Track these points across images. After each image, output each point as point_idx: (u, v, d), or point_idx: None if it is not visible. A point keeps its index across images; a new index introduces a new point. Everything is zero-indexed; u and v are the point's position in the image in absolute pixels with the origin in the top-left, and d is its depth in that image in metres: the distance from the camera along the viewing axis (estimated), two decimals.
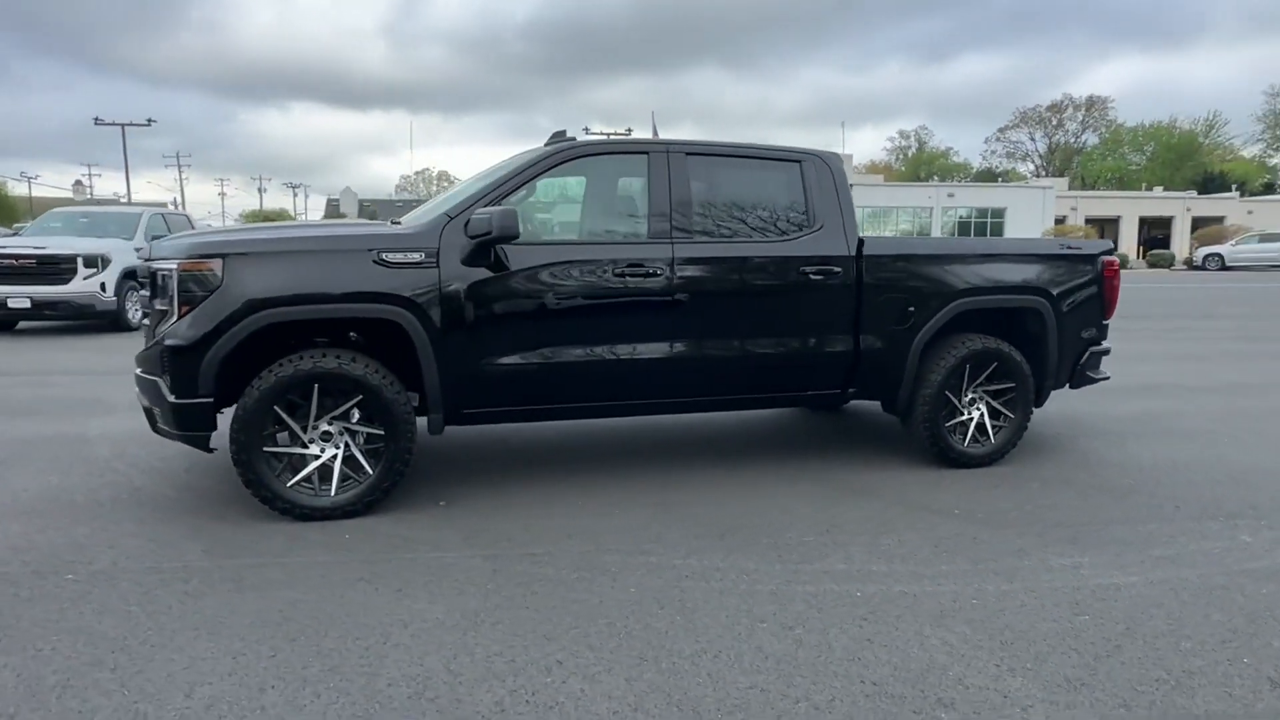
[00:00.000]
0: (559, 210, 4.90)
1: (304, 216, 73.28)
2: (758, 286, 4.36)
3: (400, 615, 2.87)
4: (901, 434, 5.12)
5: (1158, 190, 55.42)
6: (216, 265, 3.62)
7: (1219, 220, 49.28)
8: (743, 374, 4.40)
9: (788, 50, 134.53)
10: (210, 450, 3.85)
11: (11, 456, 4.92)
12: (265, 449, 3.70)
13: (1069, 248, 4.98)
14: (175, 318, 3.64)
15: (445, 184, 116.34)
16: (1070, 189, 55.32)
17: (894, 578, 3.23)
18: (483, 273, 3.90)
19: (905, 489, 4.37)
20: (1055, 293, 4.83)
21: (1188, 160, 67.92)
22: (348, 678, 2.46)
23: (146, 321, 4.07)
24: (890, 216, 44.74)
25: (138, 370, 3.93)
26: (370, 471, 3.83)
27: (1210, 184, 58.66)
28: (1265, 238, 34.05)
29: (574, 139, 4.40)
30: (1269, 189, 63.49)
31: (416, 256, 3.82)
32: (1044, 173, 74.48)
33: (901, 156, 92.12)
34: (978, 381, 4.77)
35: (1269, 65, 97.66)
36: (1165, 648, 2.67)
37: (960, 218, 44.70)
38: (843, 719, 2.27)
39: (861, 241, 4.51)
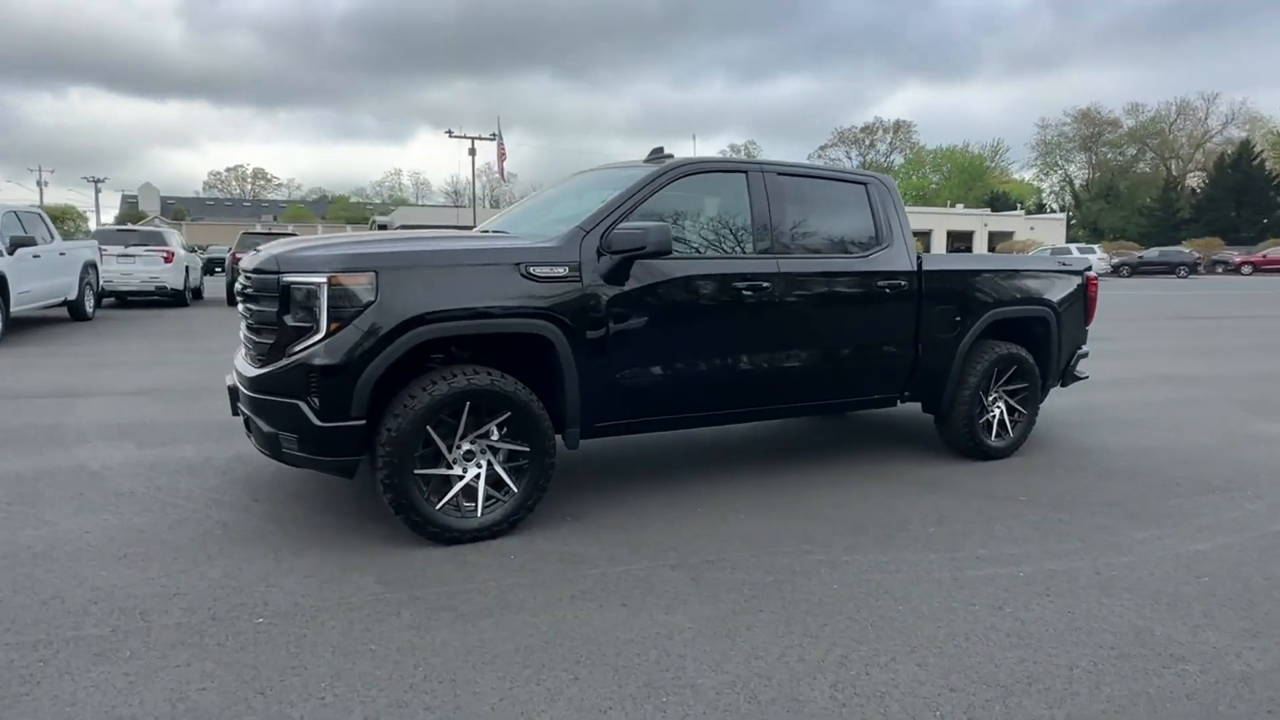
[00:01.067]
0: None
1: (95, 215, 65.24)
2: (845, 299, 4.71)
3: (652, 628, 2.91)
4: (898, 431, 5.66)
5: (959, 207, 62.25)
6: (369, 279, 3.43)
7: (1009, 235, 56.26)
8: (830, 380, 4.73)
9: (619, 62, 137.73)
10: (350, 476, 3.62)
11: (29, 494, 4.28)
12: (415, 471, 3.54)
13: (1066, 265, 5.74)
14: (322, 335, 3.40)
15: (262, 182, 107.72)
16: None
17: (1032, 558, 3.66)
18: (619, 287, 3.94)
19: (958, 480, 4.86)
20: (1057, 303, 5.56)
21: (977, 181, 76.83)
22: (674, 691, 2.50)
23: (256, 337, 3.74)
24: None
25: (252, 393, 3.61)
26: (515, 489, 3.76)
27: (996, 202, 66.71)
28: (1055, 250, 39.38)
29: (672, 155, 4.53)
30: (1041, 208, 73.16)
31: (561, 270, 3.81)
32: None
33: None
34: (1000, 383, 5.39)
35: (1037, 98, 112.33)
36: None
37: None
38: (1110, 679, 2.63)
39: (920, 258, 4.98)
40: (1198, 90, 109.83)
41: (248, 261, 3.85)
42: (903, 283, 4.86)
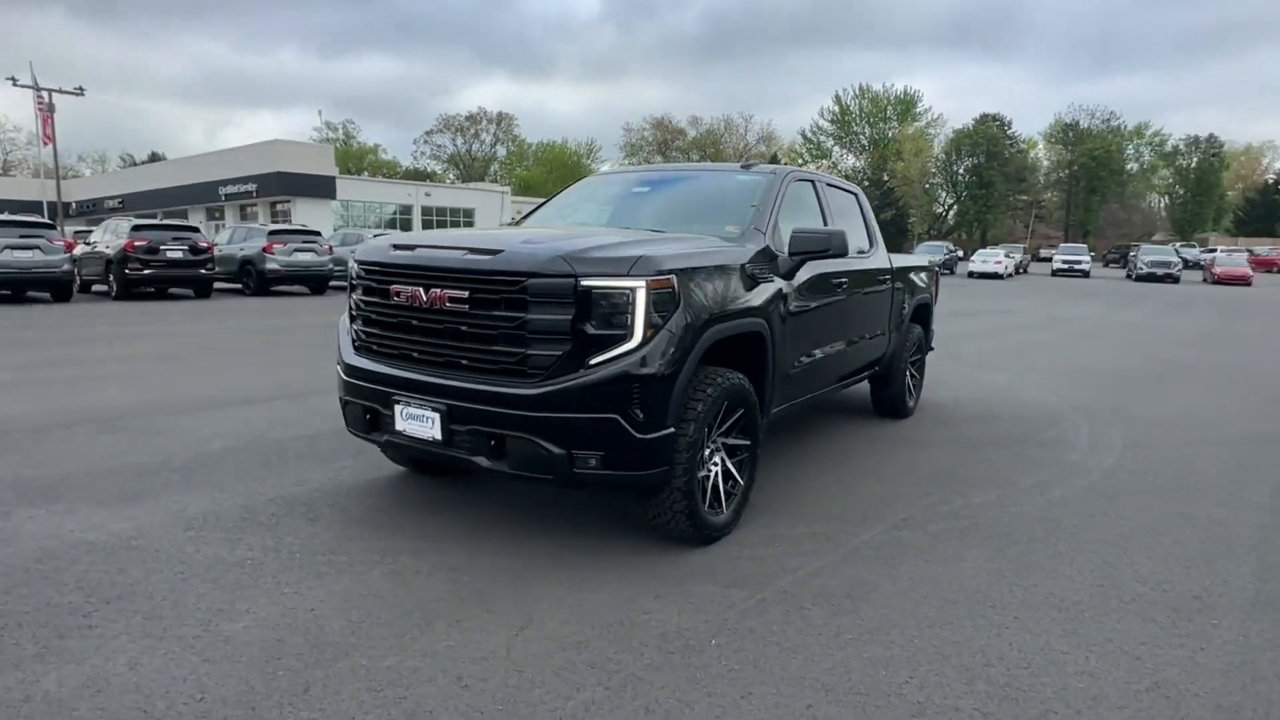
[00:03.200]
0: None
1: None
2: (873, 294, 5.63)
3: (965, 569, 3.51)
4: (839, 407, 6.89)
5: None
6: (674, 283, 3.33)
7: None
8: (857, 359, 5.61)
9: (162, 11, 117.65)
10: (651, 493, 3.45)
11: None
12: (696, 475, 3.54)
13: (932, 262, 7.43)
14: (638, 342, 3.21)
15: None
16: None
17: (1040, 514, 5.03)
18: (792, 283, 4.32)
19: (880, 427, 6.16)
20: (929, 290, 7.21)
21: (576, 176, 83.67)
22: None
23: (510, 347, 3.26)
24: (371, 213, 44.51)
25: (534, 411, 3.19)
26: (740, 482, 3.93)
27: None
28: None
29: (761, 165, 4.94)
30: None
31: (767, 271, 4.06)
32: (466, 177, 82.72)
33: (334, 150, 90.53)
34: (912, 354, 6.84)
35: (612, 103, 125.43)
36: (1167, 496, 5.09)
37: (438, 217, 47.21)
38: None
39: (890, 257, 6.12)
40: (738, 110, 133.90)
41: (483, 263, 3.31)
42: (888, 277, 5.94)
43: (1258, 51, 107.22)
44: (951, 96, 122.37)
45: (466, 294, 3.34)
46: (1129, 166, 74.22)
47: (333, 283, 19.76)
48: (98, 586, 3.09)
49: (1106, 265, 50.54)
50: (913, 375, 6.86)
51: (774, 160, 77.98)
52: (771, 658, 2.72)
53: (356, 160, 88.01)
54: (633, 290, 3.20)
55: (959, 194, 74.10)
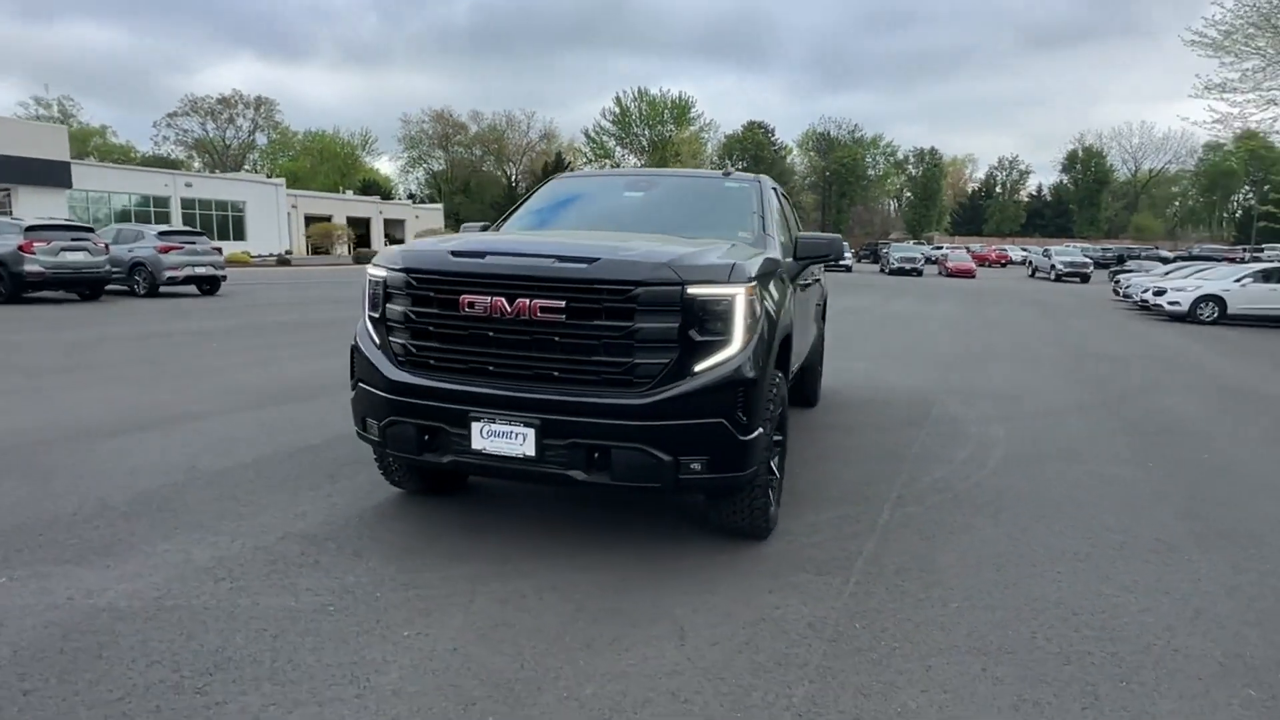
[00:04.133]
0: None
1: None
2: (814, 291, 6.08)
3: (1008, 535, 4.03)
4: None
5: (350, 194, 62.92)
6: (759, 288, 3.47)
7: (401, 223, 59.86)
8: (811, 353, 6.05)
9: None
10: (729, 497, 3.53)
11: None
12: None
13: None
14: (739, 346, 3.31)
15: None
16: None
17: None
18: (795, 286, 4.61)
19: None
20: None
21: (351, 168, 78.59)
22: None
23: (610, 356, 3.18)
24: (100, 205, 38.50)
25: (643, 420, 3.17)
26: (778, 475, 4.16)
27: (370, 189, 69.59)
28: None
29: (738, 172, 5.17)
30: (413, 198, 79.14)
31: (787, 275, 4.32)
32: (219, 166, 74.63)
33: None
34: None
35: (377, 92, 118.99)
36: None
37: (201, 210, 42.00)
38: None
39: None
40: (519, 106, 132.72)
41: (582, 271, 3.21)
42: (820, 275, 6.46)
43: (958, 76, 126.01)
44: (714, 103, 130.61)
45: (563, 303, 3.23)
46: (870, 173, 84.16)
47: (109, 286, 17.08)
48: (179, 658, 2.62)
49: (860, 261, 57.04)
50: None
51: (558, 159, 78.64)
52: (914, 632, 2.97)
53: (80, 143, 75.82)
54: (733, 297, 3.30)
55: None
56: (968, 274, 43.11)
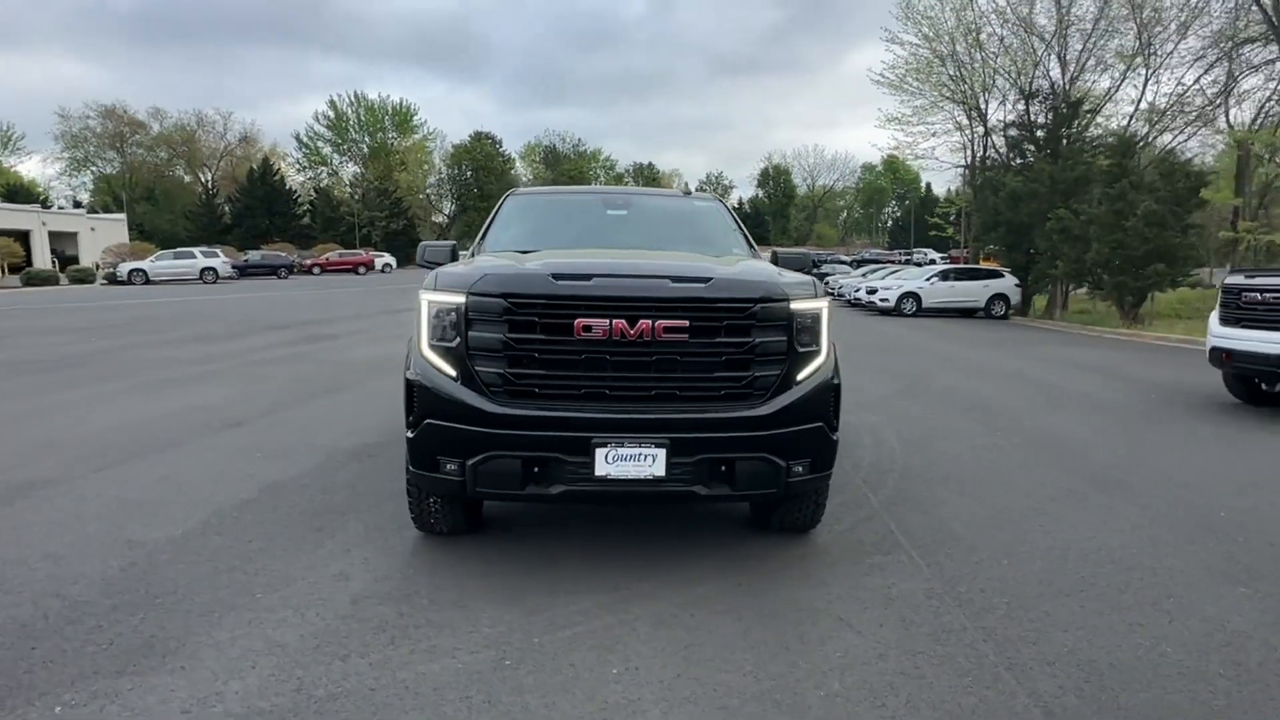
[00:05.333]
0: None
1: None
2: None
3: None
4: None
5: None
6: None
7: (73, 236, 50.56)
8: None
9: None
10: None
11: None
12: None
13: None
14: (824, 354, 3.62)
15: None
16: None
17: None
18: None
19: None
20: None
21: None
22: None
23: (731, 371, 3.29)
24: None
25: (774, 431, 3.35)
26: None
27: (16, 195, 57.63)
28: (179, 254, 38.71)
29: (695, 191, 5.43)
30: (79, 205, 66.86)
31: None
32: None
33: None
34: None
35: (11, 79, 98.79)
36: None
37: None
38: None
39: None
40: (211, 104, 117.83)
41: (702, 290, 3.29)
42: None
43: (658, 97, 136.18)
44: (425, 111, 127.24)
45: (687, 323, 3.29)
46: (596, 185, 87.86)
47: None
48: None
49: None
50: None
51: (266, 164, 71.60)
52: (1006, 599, 3.48)
53: None
54: (820, 310, 3.60)
55: (463, 205, 78.25)
56: None
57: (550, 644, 2.93)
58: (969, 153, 31.11)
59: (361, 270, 49.28)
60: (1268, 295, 7.55)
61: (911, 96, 29.83)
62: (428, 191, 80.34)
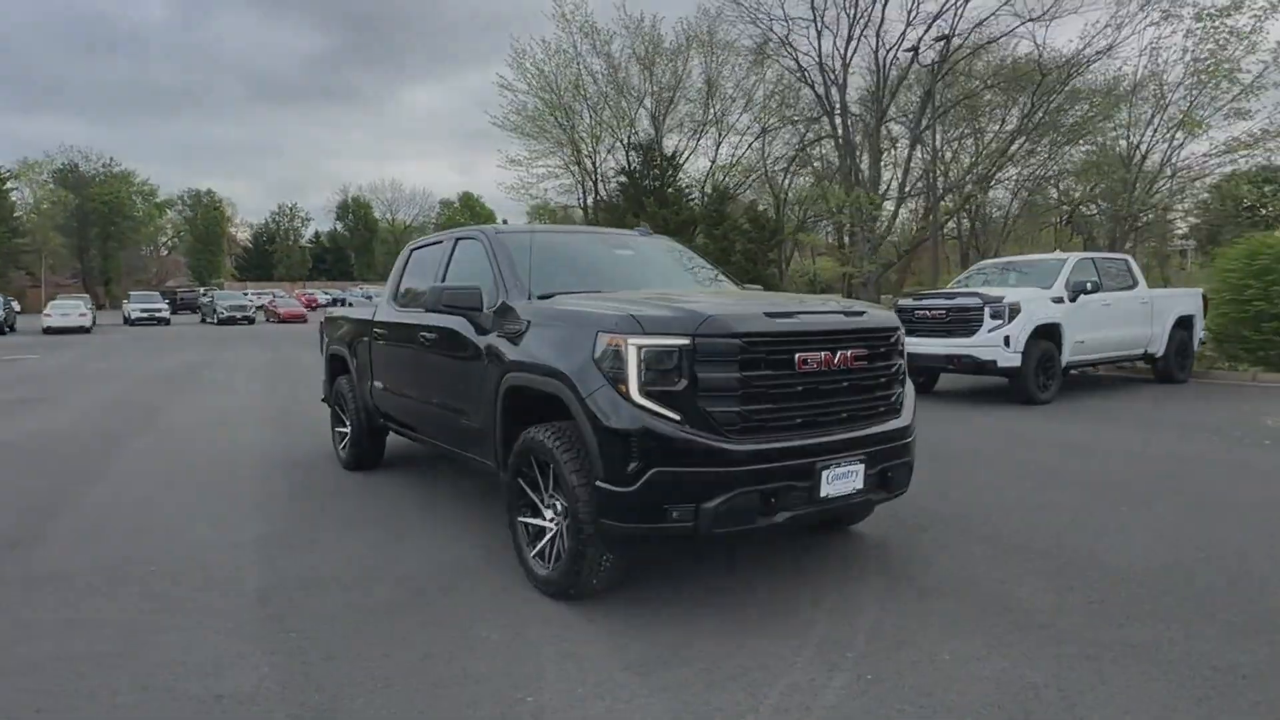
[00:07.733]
0: None
1: None
2: None
3: None
4: None
5: None
6: None
7: None
8: None
9: None
10: None
11: None
12: None
13: None
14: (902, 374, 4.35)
15: None
16: None
17: None
18: None
19: None
20: None
21: None
22: None
23: (871, 394, 3.78)
24: None
25: (909, 439, 3.95)
26: None
27: None
28: None
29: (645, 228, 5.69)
30: None
31: None
32: None
33: None
34: None
35: None
36: None
37: None
38: None
39: None
40: None
41: (867, 322, 3.81)
42: None
43: (180, 116, 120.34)
44: None
45: (866, 351, 3.72)
46: (137, 213, 73.87)
47: None
48: None
49: (176, 312, 49.69)
50: None
51: None
52: (1029, 563, 4.57)
53: None
54: (902, 335, 4.31)
55: None
56: (299, 319, 43.12)
57: (722, 660, 3.13)
58: (580, 193, 34.52)
59: None
60: (932, 312, 10.46)
61: (529, 139, 32.00)
62: None
